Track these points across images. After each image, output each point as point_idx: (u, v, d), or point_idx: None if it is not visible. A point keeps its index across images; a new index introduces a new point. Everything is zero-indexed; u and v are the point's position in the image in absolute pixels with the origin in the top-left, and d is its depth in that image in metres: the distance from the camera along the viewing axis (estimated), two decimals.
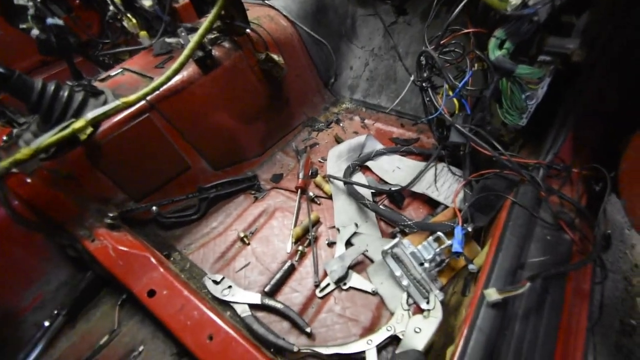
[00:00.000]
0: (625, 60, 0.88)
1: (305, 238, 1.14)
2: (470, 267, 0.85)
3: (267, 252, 1.13)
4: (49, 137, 0.97)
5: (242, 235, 1.18)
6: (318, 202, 1.27)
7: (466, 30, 1.05)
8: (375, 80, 1.71)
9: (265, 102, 1.45)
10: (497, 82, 0.95)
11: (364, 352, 0.81)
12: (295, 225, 1.18)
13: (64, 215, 1.02)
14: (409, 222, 1.01)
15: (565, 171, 0.94)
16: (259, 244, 1.16)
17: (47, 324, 1.04)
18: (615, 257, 1.40)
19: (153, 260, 0.99)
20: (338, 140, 1.51)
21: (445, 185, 1.15)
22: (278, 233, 1.18)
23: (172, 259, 1.15)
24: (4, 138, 1.07)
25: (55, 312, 1.05)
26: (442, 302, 0.87)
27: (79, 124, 0.99)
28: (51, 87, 1.03)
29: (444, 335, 0.82)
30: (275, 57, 1.36)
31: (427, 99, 1.16)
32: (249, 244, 1.17)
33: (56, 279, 1.08)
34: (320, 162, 1.43)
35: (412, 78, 1.19)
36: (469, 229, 0.93)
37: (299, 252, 1.10)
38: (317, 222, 1.19)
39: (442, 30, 1.11)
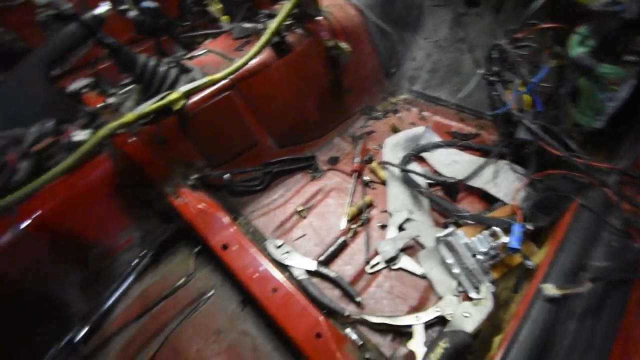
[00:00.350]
0: None
1: (359, 218, 1.22)
2: (528, 263, 0.87)
3: (322, 227, 1.23)
4: (149, 105, 1.13)
5: (299, 209, 1.28)
6: (372, 187, 1.33)
7: (546, 25, 1.03)
8: (438, 72, 1.70)
9: (329, 88, 1.53)
10: (575, 80, 0.93)
11: (411, 326, 0.88)
12: (350, 206, 1.25)
13: (155, 173, 1.20)
14: (465, 214, 1.04)
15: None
16: (315, 218, 1.26)
17: (135, 262, 1.23)
18: None
19: (226, 219, 1.12)
20: (395, 130, 1.54)
21: (505, 183, 1.15)
22: (333, 211, 1.27)
23: (238, 222, 1.29)
24: (99, 105, 1.25)
25: (143, 253, 1.24)
26: (493, 294, 0.90)
27: (174, 95, 1.14)
28: (152, 62, 1.20)
29: (491, 326, 0.86)
30: (344, 45, 1.42)
31: (495, 93, 1.16)
32: (305, 217, 1.27)
33: (144, 226, 1.27)
34: (375, 149, 1.48)
35: (480, 71, 1.18)
36: (529, 228, 0.94)
37: (352, 230, 1.18)
38: (370, 205, 1.26)
39: (520, 23, 1.09)
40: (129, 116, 1.11)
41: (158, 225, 1.29)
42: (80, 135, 1.10)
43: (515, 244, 0.90)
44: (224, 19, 1.53)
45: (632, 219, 0.85)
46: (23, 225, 1.04)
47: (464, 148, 1.39)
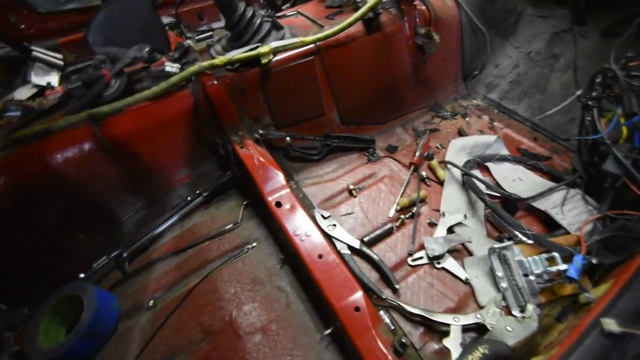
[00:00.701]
0: None
1: (409, 210, 1.22)
2: (586, 295, 0.84)
3: (370, 209, 1.24)
4: (239, 53, 1.17)
5: (351, 187, 1.30)
6: (428, 184, 1.32)
7: None
8: (520, 85, 1.62)
9: (406, 75, 1.50)
10: None
11: (447, 325, 0.88)
12: (402, 196, 1.25)
13: (227, 119, 1.24)
14: (528, 232, 1.01)
15: None
16: (365, 199, 1.27)
17: (189, 199, 1.30)
18: None
19: (283, 179, 1.16)
20: (461, 133, 1.50)
21: (573, 212, 1.10)
22: (384, 197, 1.27)
23: (289, 185, 1.33)
24: (177, 44, 1.30)
25: (197, 192, 1.31)
26: (539, 317, 0.88)
27: (264, 49, 1.16)
28: (249, 12, 1.22)
29: (528, 348, 0.85)
30: (434, 35, 1.37)
31: (589, 118, 1.09)
32: (355, 196, 1.28)
33: (204, 167, 1.34)
34: (437, 147, 1.46)
35: (578, 92, 1.11)
36: (593, 261, 0.90)
37: (400, 220, 1.18)
38: (423, 200, 1.25)
39: (638, 51, 1.01)
40: (220, 59, 1.15)
41: (216, 170, 1.35)
42: (171, 66, 1.16)
43: (574, 274, 0.87)
44: None
45: None
46: (103, 138, 1.12)
47: (532, 168, 1.33)
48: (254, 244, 1.17)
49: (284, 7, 1.73)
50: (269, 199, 1.10)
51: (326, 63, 1.29)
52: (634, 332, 0.69)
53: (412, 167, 1.35)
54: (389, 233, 1.16)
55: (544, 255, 0.95)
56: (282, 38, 1.25)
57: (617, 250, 0.94)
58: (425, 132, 1.53)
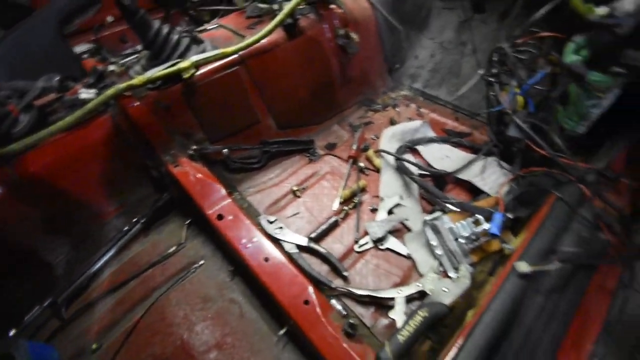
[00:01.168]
0: None
1: (351, 201, 1.27)
2: (506, 246, 0.93)
3: (315, 207, 1.27)
4: (159, 71, 1.15)
5: (294, 188, 1.32)
6: (366, 173, 1.38)
7: (546, 34, 1.10)
8: (438, 72, 1.76)
9: (334, 75, 1.57)
10: (566, 85, 1.00)
11: (393, 298, 0.93)
12: (343, 189, 1.30)
13: (155, 139, 1.21)
14: (452, 200, 1.10)
15: (615, 180, 0.98)
16: (309, 198, 1.30)
17: (125, 229, 1.25)
18: None
19: (223, 192, 1.15)
20: (392, 123, 1.59)
21: (492, 177, 1.22)
22: (327, 193, 1.31)
23: (233, 197, 1.32)
24: (92, 69, 1.24)
25: (134, 220, 1.25)
26: (471, 274, 0.96)
27: (185, 64, 1.16)
28: (165, 30, 1.21)
29: (466, 303, 0.92)
30: (353, 35, 1.46)
31: (492, 93, 1.22)
32: (300, 197, 1.31)
33: (138, 193, 1.29)
34: (372, 139, 1.53)
35: (480, 72, 1.25)
36: (509, 216, 1.00)
37: (344, 212, 1.23)
38: (363, 190, 1.31)
39: (522, 30, 1.16)
40: (139, 79, 1.12)
41: (153, 193, 1.31)
42: (86, 93, 1.11)
43: (495, 230, 0.96)
44: None
45: (601, 214, 0.93)
46: (19, 177, 1.04)
47: (457, 145, 1.45)
48: (202, 262, 1.15)
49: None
50: (209, 212, 1.10)
51: (252, 71, 1.32)
52: (542, 269, 0.78)
53: (350, 160, 1.41)
54: (334, 226, 1.20)
55: (470, 219, 1.04)
56: (204, 51, 1.26)
57: (528, 204, 1.05)
58: (360, 126, 1.61)
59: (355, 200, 1.26)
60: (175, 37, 1.22)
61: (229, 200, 1.13)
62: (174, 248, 1.20)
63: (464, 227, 1.03)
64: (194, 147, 1.27)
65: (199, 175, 1.18)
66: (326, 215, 1.23)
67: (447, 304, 0.86)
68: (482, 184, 1.20)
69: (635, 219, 0.94)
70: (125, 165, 1.24)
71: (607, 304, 0.87)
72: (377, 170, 1.38)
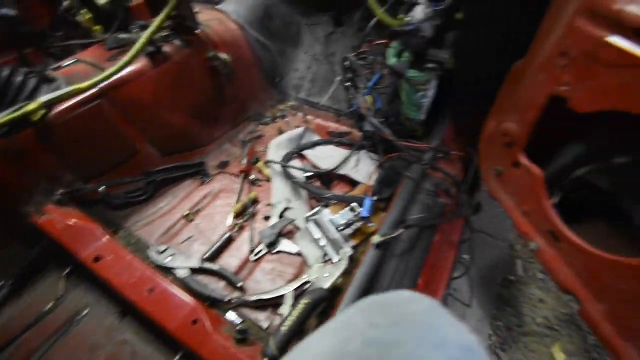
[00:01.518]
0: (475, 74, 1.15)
1: (245, 214, 1.31)
2: (370, 224, 1.07)
3: (209, 227, 1.28)
4: (2, 116, 1.05)
5: (186, 213, 1.31)
6: (259, 184, 1.44)
7: (376, 42, 1.31)
8: (317, 81, 1.93)
9: (213, 96, 1.61)
10: (394, 83, 1.20)
11: (282, 295, 0.99)
12: (236, 203, 1.33)
13: (14, 192, 1.10)
14: (328, 195, 1.22)
15: (447, 154, 1.20)
16: (202, 220, 1.30)
17: None
18: (504, 228, 1.73)
19: (99, 230, 1.09)
20: (281, 133, 1.69)
21: (365, 168, 1.38)
22: (220, 210, 1.33)
23: (118, 235, 1.26)
24: None
25: (1, 283, 1.10)
26: (351, 256, 1.07)
27: (31, 106, 1.08)
28: (6, 72, 1.12)
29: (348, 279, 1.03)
30: (223, 55, 1.52)
31: (350, 96, 1.40)
32: (192, 220, 1.30)
33: (2, 254, 1.14)
34: (263, 151, 1.60)
35: (338, 78, 1.42)
36: (374, 199, 1.15)
37: (237, 226, 1.26)
38: (255, 200, 1.36)
39: (360, 40, 1.35)
40: None
41: (22, 250, 1.17)
42: None
43: (365, 213, 1.10)
44: (96, 29, 1.49)
45: (439, 182, 1.13)
46: None
47: (340, 144, 1.61)
48: (86, 311, 1.07)
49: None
50: (84, 256, 1.03)
51: (118, 103, 1.28)
52: (390, 237, 0.92)
53: (242, 175, 1.46)
54: (229, 241, 1.22)
55: (347, 208, 1.17)
56: (57, 89, 1.19)
57: (390, 185, 1.22)
58: (250, 140, 1.66)
59: (248, 212, 1.30)
60: (18, 79, 1.13)
61: (107, 239, 1.08)
62: (51, 304, 1.09)
63: (342, 216, 1.15)
64: (61, 190, 1.17)
65: (70, 220, 1.10)
66: (220, 232, 1.25)
67: (326, 287, 0.94)
68: (356, 175, 1.35)
69: (465, 181, 1.16)
70: None
71: (453, 253, 1.06)
72: (268, 179, 1.45)
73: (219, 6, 1.76)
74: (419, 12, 1.07)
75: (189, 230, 1.27)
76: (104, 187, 1.25)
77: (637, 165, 0.73)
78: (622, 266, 0.68)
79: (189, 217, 1.30)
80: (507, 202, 1.01)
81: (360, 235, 1.17)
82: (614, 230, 0.88)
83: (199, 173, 1.49)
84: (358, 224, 1.14)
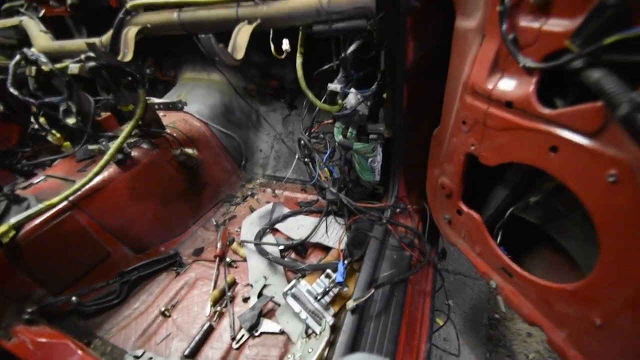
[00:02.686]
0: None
1: (223, 299, 1.30)
2: (345, 289, 1.11)
3: (187, 320, 1.25)
4: None
5: (163, 309, 1.29)
6: (235, 266, 1.46)
7: (326, 122, 1.50)
8: (281, 157, 2.10)
9: (184, 187, 1.70)
10: (345, 155, 1.36)
11: None
12: (213, 290, 1.33)
13: None
14: (302, 266, 1.26)
15: (403, 209, 1.32)
16: (180, 314, 1.28)
17: None
18: None
19: (72, 345, 1.05)
20: (252, 211, 1.77)
21: (334, 233, 1.46)
22: (198, 300, 1.32)
23: (92, 346, 1.19)
24: None
25: None
26: (333, 325, 1.08)
27: (2, 229, 1.11)
28: None
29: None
30: (189, 150, 1.66)
31: (310, 170, 1.54)
32: (169, 316, 1.27)
33: None
34: (237, 231, 1.66)
35: (297, 155, 1.59)
36: (346, 262, 1.21)
37: (217, 313, 1.25)
38: (233, 283, 1.37)
39: (311, 122, 1.55)
40: None
41: None
42: None
43: (340, 278, 1.14)
44: (66, 145, 1.60)
45: (402, 236, 1.22)
46: None
47: (309, 213, 1.70)
48: None
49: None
50: None
51: (89, 211, 1.33)
52: (362, 300, 0.96)
53: (217, 259, 1.48)
54: (209, 332, 1.19)
55: (323, 276, 1.21)
56: (27, 208, 1.23)
57: (359, 246, 1.30)
58: (224, 222, 1.72)
59: (226, 297, 1.30)
60: None
61: (80, 354, 1.03)
62: None
63: (318, 285, 1.19)
64: (30, 309, 1.14)
65: (40, 339, 1.06)
66: (200, 324, 1.22)
67: None
68: (327, 241, 1.42)
69: (424, 232, 1.26)
70: None
71: (429, 302, 1.11)
72: (245, 259, 1.48)
73: (184, 109, 1.96)
74: (352, 98, 1.28)
75: (167, 328, 1.23)
76: (76, 297, 1.23)
77: (548, 202, 0.87)
78: (564, 292, 0.77)
79: (165, 314, 1.28)
80: (463, 245, 1.10)
81: (340, 301, 1.19)
82: (560, 258, 0.98)
83: (174, 264, 1.49)
84: (335, 290, 1.18)
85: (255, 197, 1.91)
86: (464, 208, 1.00)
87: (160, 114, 1.76)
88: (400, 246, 1.19)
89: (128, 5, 1.23)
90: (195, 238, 1.66)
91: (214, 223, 1.73)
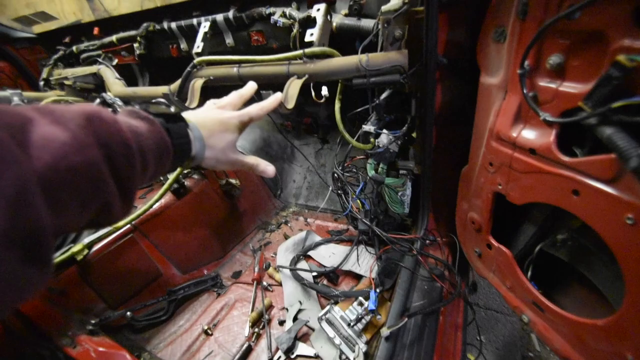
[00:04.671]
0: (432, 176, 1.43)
1: (261, 321, 1.39)
2: (378, 317, 1.17)
3: (228, 339, 1.34)
4: None
5: (205, 328, 1.39)
6: (271, 290, 1.55)
7: (358, 157, 1.63)
8: (313, 188, 2.23)
9: (227, 214, 1.86)
10: (378, 189, 1.46)
11: None
12: (252, 312, 1.43)
13: (51, 327, 1.20)
14: (336, 292, 1.33)
15: (433, 241, 1.39)
16: (221, 333, 1.37)
17: None
18: None
19: (128, 357, 1.16)
20: (286, 238, 1.88)
21: (365, 262, 1.53)
22: (238, 321, 1.41)
23: (142, 359, 1.30)
24: None
25: None
26: (366, 353, 1.13)
27: (77, 248, 1.28)
28: None
29: None
30: (233, 181, 1.83)
31: (342, 201, 1.65)
32: (211, 334, 1.37)
33: None
34: (272, 256, 1.77)
35: (330, 188, 1.71)
36: (378, 290, 1.28)
37: (255, 334, 1.33)
38: (270, 306, 1.45)
39: (344, 157, 1.68)
40: None
41: None
42: None
43: (372, 306, 1.20)
44: None
45: (433, 267, 1.28)
46: None
47: (340, 241, 1.79)
48: None
49: None
50: None
51: (148, 234, 1.50)
52: (396, 328, 1.02)
53: (255, 283, 1.58)
54: (248, 352, 1.27)
55: (355, 303, 1.28)
56: (96, 231, 1.42)
57: (390, 274, 1.36)
58: (260, 248, 1.84)
59: (264, 319, 1.38)
60: None
61: None
62: None
63: (351, 312, 1.25)
64: (93, 321, 1.28)
65: (101, 349, 1.18)
66: (239, 343, 1.31)
67: None
68: (359, 270, 1.49)
69: (455, 264, 1.31)
70: None
71: (461, 336, 1.14)
72: (280, 284, 1.57)
73: None
74: (384, 138, 1.40)
75: (209, 346, 1.33)
76: (130, 312, 1.36)
77: (575, 239, 0.92)
78: (595, 328, 0.80)
79: (208, 332, 1.38)
80: (493, 279, 1.15)
81: (372, 329, 1.25)
82: (591, 292, 1.01)
83: (215, 286, 1.61)
84: (367, 318, 1.23)
85: (289, 224, 2.03)
86: (494, 243, 1.06)
87: None
88: (431, 277, 1.24)
89: (195, 61, 1.47)
90: (234, 262, 1.78)
91: (251, 248, 1.86)
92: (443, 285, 1.23)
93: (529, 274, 1.02)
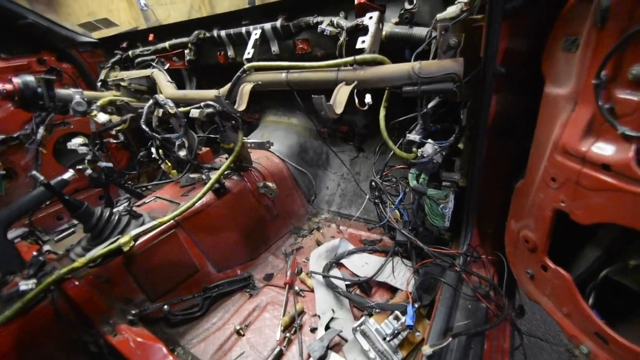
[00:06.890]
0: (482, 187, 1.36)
1: (292, 326, 1.37)
2: (417, 334, 1.11)
3: (259, 342, 1.34)
4: (100, 250, 1.31)
5: (237, 328, 1.40)
6: (303, 295, 1.54)
7: (398, 167, 1.60)
8: (346, 196, 2.21)
9: (262, 216, 1.88)
10: (418, 200, 1.42)
11: None
12: (283, 316, 1.42)
13: (95, 314, 1.26)
14: (372, 304, 1.29)
15: (477, 258, 1.31)
16: (253, 334, 1.37)
17: None
18: (556, 331, 1.64)
19: (164, 349, 1.19)
20: (318, 244, 1.87)
21: (401, 274, 1.48)
22: (269, 324, 1.41)
23: (175, 353, 1.33)
24: (34, 253, 1.36)
25: None
26: None
27: (124, 239, 1.34)
28: (106, 213, 1.44)
29: None
30: (270, 184, 1.86)
31: (379, 211, 1.62)
32: (243, 335, 1.37)
33: None
34: (304, 262, 1.76)
35: (367, 196, 1.68)
36: (416, 306, 1.22)
37: (287, 339, 1.32)
38: (302, 312, 1.44)
39: (383, 166, 1.66)
40: (80, 261, 1.25)
41: None
42: (25, 284, 1.19)
43: (410, 322, 1.16)
44: (174, 173, 1.90)
45: (477, 286, 1.21)
46: None
47: (373, 251, 1.75)
48: None
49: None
50: None
51: (189, 231, 1.55)
52: (440, 347, 0.96)
53: (287, 287, 1.58)
54: (280, 356, 1.26)
55: (391, 317, 1.23)
56: (143, 224, 1.48)
57: (429, 290, 1.31)
58: (292, 252, 1.84)
59: (296, 324, 1.37)
60: (115, 218, 1.44)
61: (171, 358, 1.16)
62: None
63: (387, 326, 1.20)
64: (133, 311, 1.33)
65: (140, 339, 1.22)
66: (271, 347, 1.30)
67: None
68: (394, 282, 1.44)
69: (501, 284, 1.23)
70: (64, 346, 1.22)
71: None
72: (312, 290, 1.55)
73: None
74: (429, 148, 1.37)
75: (241, 346, 1.33)
76: (167, 306, 1.40)
77: None
78: None
79: (240, 332, 1.38)
80: (547, 304, 1.06)
81: (408, 346, 1.19)
82: None
83: (248, 286, 1.62)
84: (404, 333, 1.18)
85: (321, 231, 2.02)
86: (551, 264, 0.99)
87: None
88: (476, 296, 1.17)
89: (245, 66, 1.53)
90: (267, 264, 1.79)
91: (283, 252, 1.86)
92: (489, 306, 1.15)
93: (591, 301, 0.94)
